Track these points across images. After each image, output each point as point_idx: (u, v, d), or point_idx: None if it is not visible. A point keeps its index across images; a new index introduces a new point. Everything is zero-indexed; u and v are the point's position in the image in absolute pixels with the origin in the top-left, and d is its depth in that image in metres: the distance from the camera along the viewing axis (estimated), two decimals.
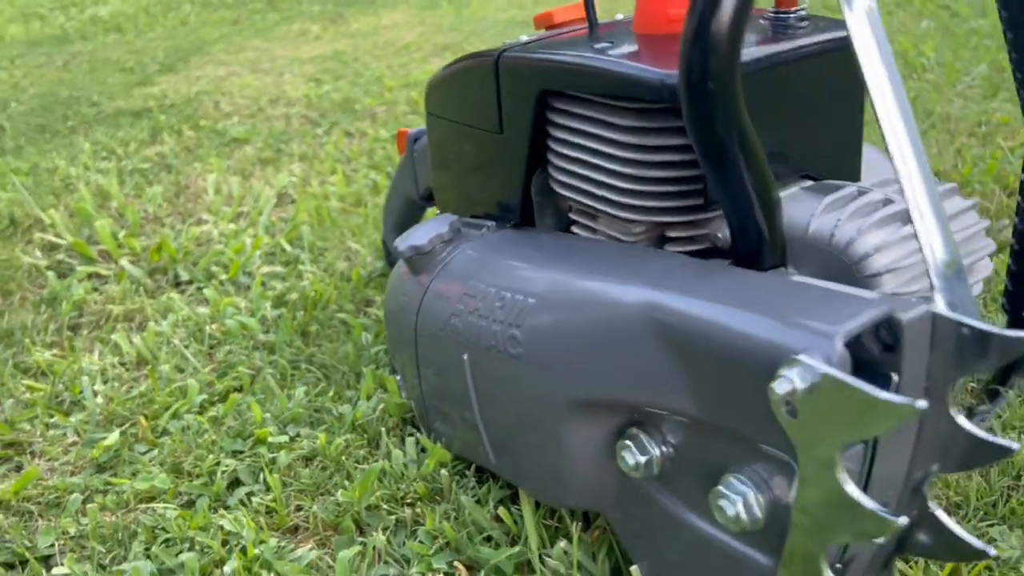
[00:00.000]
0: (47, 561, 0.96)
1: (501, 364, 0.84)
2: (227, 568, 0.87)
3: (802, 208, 0.75)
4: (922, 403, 0.51)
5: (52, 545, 0.97)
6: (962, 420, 0.61)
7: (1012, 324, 1.05)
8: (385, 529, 0.95)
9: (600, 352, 0.74)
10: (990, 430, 1.00)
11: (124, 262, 1.62)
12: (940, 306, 0.61)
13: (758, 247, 0.71)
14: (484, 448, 0.92)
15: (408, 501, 0.98)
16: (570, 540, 0.89)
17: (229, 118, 2.56)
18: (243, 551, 0.91)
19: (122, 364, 1.33)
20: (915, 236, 0.71)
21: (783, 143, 0.80)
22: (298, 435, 1.10)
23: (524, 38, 0.94)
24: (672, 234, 0.81)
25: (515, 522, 0.92)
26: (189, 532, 0.95)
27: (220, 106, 2.69)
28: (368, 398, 1.15)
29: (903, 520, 0.55)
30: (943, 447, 0.63)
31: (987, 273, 0.76)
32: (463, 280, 0.91)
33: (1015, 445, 0.60)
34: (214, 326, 1.39)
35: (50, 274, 1.59)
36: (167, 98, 2.83)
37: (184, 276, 1.59)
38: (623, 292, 0.73)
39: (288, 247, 1.65)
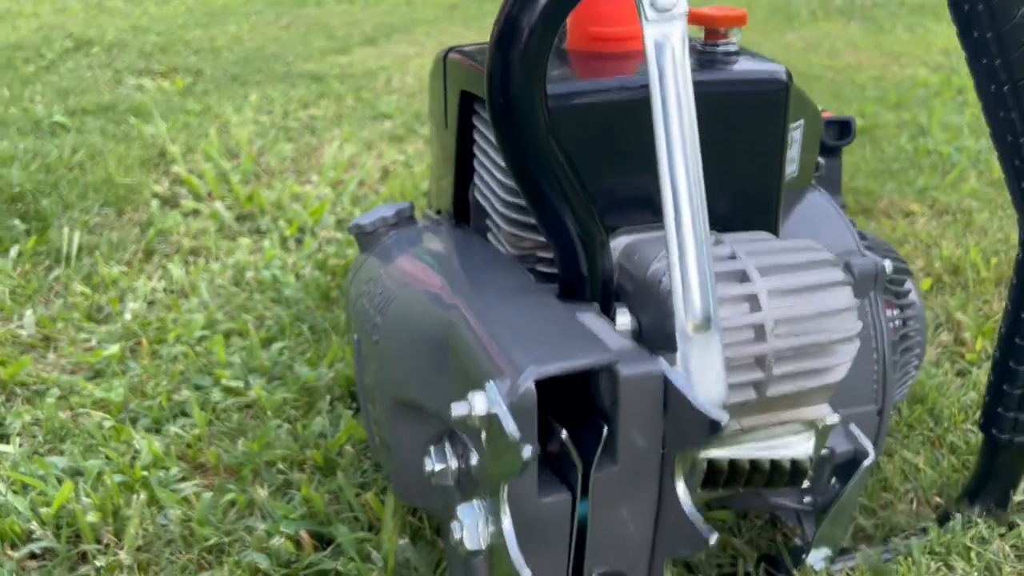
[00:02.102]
0: (7, 438, 1.08)
1: (370, 349, 0.85)
2: (113, 479, 0.95)
3: (652, 251, 0.70)
4: (528, 450, 0.48)
5: (14, 425, 1.09)
6: (682, 493, 0.56)
7: (984, 429, 0.94)
8: (271, 486, 0.99)
9: (413, 357, 0.74)
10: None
11: (219, 204, 1.77)
12: (679, 370, 0.56)
13: (576, 280, 0.68)
14: (371, 433, 0.94)
15: (304, 467, 1.02)
16: (416, 541, 0.89)
17: (391, 94, 2.70)
18: (134, 471, 0.98)
19: (166, 290, 1.46)
20: (745, 295, 0.65)
21: None
22: (254, 384, 1.17)
23: None
24: (540, 254, 0.79)
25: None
26: (111, 444, 1.04)
27: (391, 82, 2.84)
28: (330, 365, 1.20)
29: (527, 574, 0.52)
30: (671, 522, 0.58)
31: (851, 356, 0.67)
32: (378, 264, 0.92)
33: (714, 538, 0.54)
34: (251, 274, 1.49)
35: (154, 202, 1.76)
36: (352, 68, 3.02)
37: (263, 226, 1.71)
38: (441, 301, 0.72)
39: None
